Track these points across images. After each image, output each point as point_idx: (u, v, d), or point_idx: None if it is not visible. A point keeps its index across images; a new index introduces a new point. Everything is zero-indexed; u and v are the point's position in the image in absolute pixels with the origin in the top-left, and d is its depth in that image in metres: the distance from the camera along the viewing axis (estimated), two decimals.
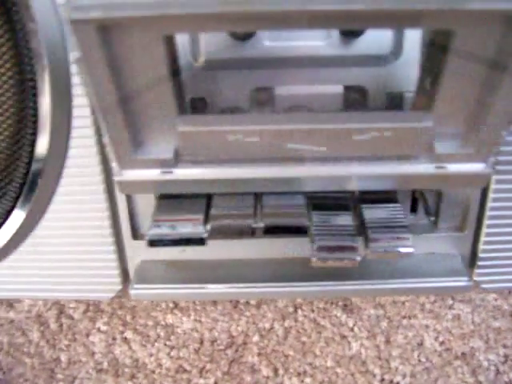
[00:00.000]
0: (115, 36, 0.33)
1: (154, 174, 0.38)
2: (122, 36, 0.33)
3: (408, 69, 0.42)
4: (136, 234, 0.45)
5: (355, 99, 0.43)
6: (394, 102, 0.42)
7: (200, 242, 0.38)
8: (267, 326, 0.52)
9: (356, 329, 0.51)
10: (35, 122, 0.42)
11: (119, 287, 0.46)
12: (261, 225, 0.39)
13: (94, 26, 0.32)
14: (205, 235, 0.38)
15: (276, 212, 0.39)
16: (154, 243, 0.38)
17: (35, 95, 0.41)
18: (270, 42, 0.42)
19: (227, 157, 0.38)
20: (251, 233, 0.39)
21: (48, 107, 0.40)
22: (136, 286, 0.44)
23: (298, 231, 0.39)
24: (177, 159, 0.38)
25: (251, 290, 0.42)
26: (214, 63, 0.42)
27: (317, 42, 0.42)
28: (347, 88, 0.42)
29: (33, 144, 0.42)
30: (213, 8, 0.31)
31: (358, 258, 0.39)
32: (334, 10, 0.30)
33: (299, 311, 0.52)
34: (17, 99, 0.41)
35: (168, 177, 0.38)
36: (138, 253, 0.45)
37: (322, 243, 0.39)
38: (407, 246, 0.39)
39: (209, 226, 0.38)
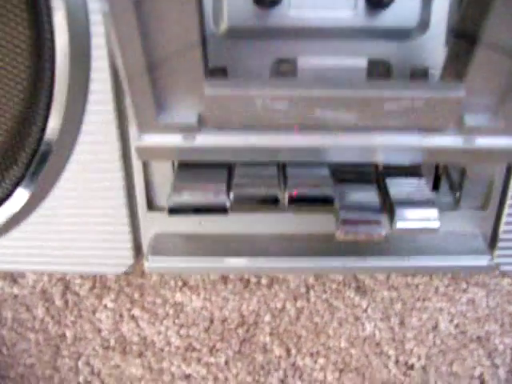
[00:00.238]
0: None
1: (175, 139, 0.37)
2: None
3: (434, 44, 0.41)
4: (151, 205, 0.43)
5: (379, 73, 0.42)
6: (418, 78, 0.42)
7: (222, 211, 0.37)
8: (279, 305, 0.51)
9: (370, 310, 0.50)
10: (51, 85, 0.40)
11: (131, 262, 0.45)
12: (286, 195, 0.38)
13: None
14: (227, 204, 0.37)
15: (301, 182, 0.38)
16: (174, 211, 0.37)
17: (52, 56, 0.39)
18: (294, 11, 0.41)
19: (253, 123, 0.37)
20: (275, 203, 0.38)
21: (66, 68, 0.39)
22: (150, 258, 0.42)
23: (324, 202, 0.38)
24: (200, 124, 0.36)
25: (269, 264, 0.41)
26: (236, 31, 0.41)
27: (342, 12, 0.41)
28: (371, 62, 0.42)
29: (48, 108, 0.41)
30: None
31: (384, 233, 0.38)
32: None
33: (311, 292, 0.51)
34: (33, 60, 0.40)
35: (190, 143, 0.37)
36: (153, 225, 0.44)
37: (347, 216, 0.38)
38: (434, 221, 0.38)
39: (232, 195, 0.37)
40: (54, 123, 0.41)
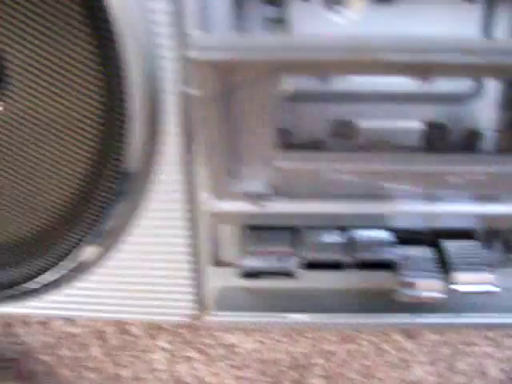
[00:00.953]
0: (228, 74, 0.33)
1: (245, 206, 0.39)
2: (235, 74, 0.33)
3: (489, 107, 0.43)
4: (216, 260, 0.45)
5: (435, 136, 0.44)
6: (474, 140, 0.43)
7: (292, 274, 0.39)
8: (329, 348, 0.53)
9: (418, 354, 0.52)
10: (120, 144, 0.41)
11: (194, 313, 0.46)
12: (351, 259, 0.39)
13: (213, 66, 0.32)
14: (298, 269, 0.39)
15: (366, 246, 0.40)
16: (248, 275, 0.39)
17: (123, 122, 0.41)
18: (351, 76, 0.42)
19: (320, 192, 0.38)
20: (340, 268, 0.40)
21: (137, 129, 0.40)
22: (214, 313, 0.44)
23: (386, 266, 0.40)
24: (271, 193, 0.38)
25: (331, 320, 0.43)
26: (299, 95, 0.42)
27: (398, 77, 0.42)
28: (427, 124, 0.43)
29: (116, 166, 0.42)
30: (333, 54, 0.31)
31: (443, 296, 0.39)
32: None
33: (360, 335, 0.53)
34: (105, 127, 0.41)
35: (260, 210, 0.39)
36: (217, 279, 0.45)
37: (408, 279, 0.40)
38: (493, 285, 0.39)
39: (302, 260, 0.39)
40: (122, 182, 0.43)
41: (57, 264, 0.46)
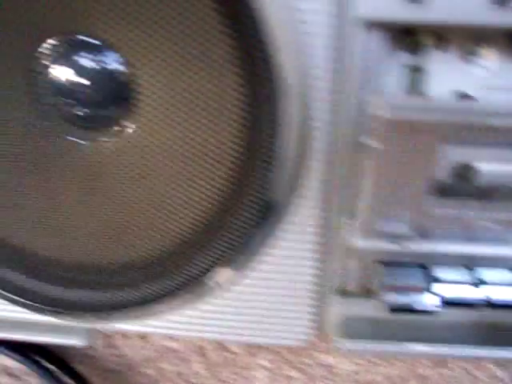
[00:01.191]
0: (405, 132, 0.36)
1: (386, 244, 0.42)
2: (411, 132, 0.36)
3: None
4: (341, 290, 0.48)
5: None
6: None
7: (432, 312, 0.42)
8: (424, 372, 0.56)
9: (509, 383, 0.55)
10: (265, 170, 0.42)
11: (313, 339, 0.49)
12: (483, 298, 0.42)
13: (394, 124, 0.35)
14: (441, 308, 0.42)
15: (497, 287, 0.43)
16: (395, 310, 0.42)
17: (268, 157, 0.42)
18: None
19: (459, 236, 0.41)
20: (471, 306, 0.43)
21: (283, 167, 0.42)
22: (341, 340, 0.47)
23: None
24: (415, 235, 0.41)
25: (455, 352, 0.46)
26: None
27: None
28: None
29: (259, 194, 0.44)
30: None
31: None
32: None
33: (452, 360, 0.56)
34: (247, 158, 0.43)
35: (400, 248, 0.42)
36: (341, 308, 0.48)
37: None
38: None
39: (442, 299, 0.42)
40: (260, 212, 0.45)
41: (185, 287, 0.48)
